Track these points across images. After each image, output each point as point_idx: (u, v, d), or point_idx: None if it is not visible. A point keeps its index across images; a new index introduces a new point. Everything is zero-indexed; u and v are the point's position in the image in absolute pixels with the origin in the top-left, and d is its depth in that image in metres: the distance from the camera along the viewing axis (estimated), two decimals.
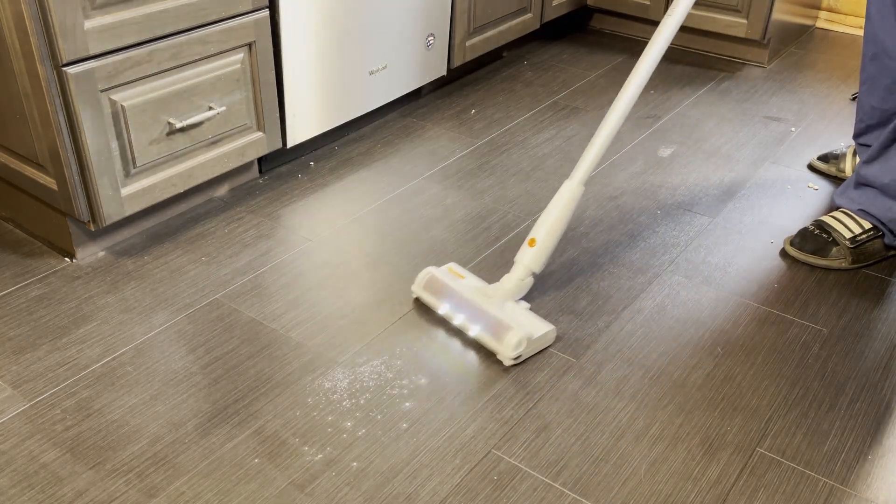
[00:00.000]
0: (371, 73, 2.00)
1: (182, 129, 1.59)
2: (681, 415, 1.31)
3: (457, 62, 2.27)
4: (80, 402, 1.29)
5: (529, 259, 1.46)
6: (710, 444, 1.26)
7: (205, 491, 1.16)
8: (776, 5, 2.45)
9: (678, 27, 1.46)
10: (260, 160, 1.91)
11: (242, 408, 1.29)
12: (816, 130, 2.20)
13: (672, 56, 2.64)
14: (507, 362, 1.39)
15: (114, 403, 1.29)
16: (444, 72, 2.25)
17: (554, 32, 2.80)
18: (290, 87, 1.80)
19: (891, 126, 1.61)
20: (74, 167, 1.47)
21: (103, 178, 1.50)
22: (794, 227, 1.77)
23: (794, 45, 2.76)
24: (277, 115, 1.78)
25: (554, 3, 2.59)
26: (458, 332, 1.46)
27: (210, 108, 1.63)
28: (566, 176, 1.95)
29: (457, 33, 2.22)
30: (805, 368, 1.41)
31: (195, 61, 1.57)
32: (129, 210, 1.57)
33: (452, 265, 1.55)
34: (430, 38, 2.14)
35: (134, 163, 1.54)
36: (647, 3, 2.63)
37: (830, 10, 2.90)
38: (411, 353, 1.41)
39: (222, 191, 1.85)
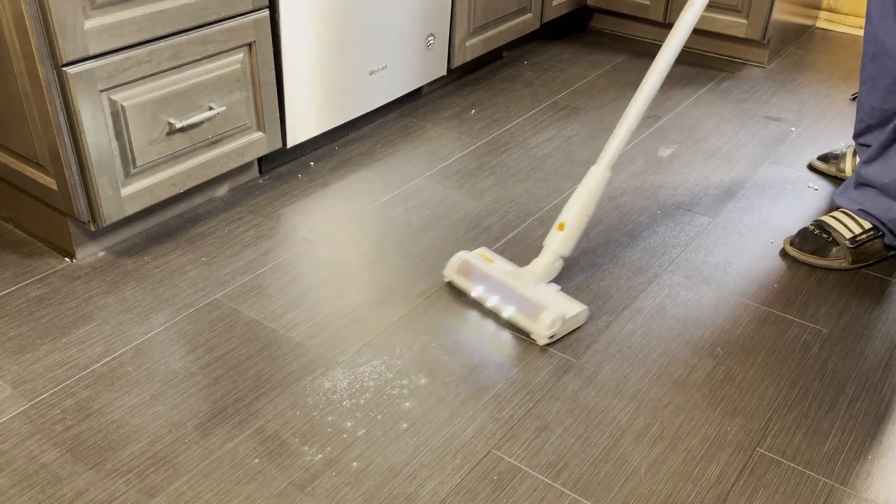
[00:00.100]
0: (371, 73, 2.00)
1: (182, 129, 1.59)
2: (681, 415, 1.31)
3: (457, 62, 2.27)
4: (80, 402, 1.29)
5: (558, 243, 1.50)
6: (710, 444, 1.26)
7: (205, 491, 1.16)
8: (776, 5, 2.45)
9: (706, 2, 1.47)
10: (260, 160, 1.91)
11: (242, 408, 1.29)
12: (816, 130, 2.20)
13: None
14: (542, 341, 1.43)
15: (114, 403, 1.29)
16: (444, 72, 2.25)
17: (554, 32, 2.80)
18: (290, 87, 1.80)
19: (891, 126, 1.61)
20: (74, 167, 1.47)
21: (103, 178, 1.50)
22: (794, 227, 1.77)
23: (794, 45, 2.76)
24: (277, 115, 1.78)
25: (554, 3, 2.59)
26: (458, 333, 1.46)
27: (210, 108, 1.63)
28: (566, 176, 1.95)
29: (457, 33, 2.22)
30: (805, 368, 1.41)
31: (195, 61, 1.57)
32: (129, 210, 1.57)
33: (482, 249, 1.60)
34: (430, 38, 2.14)
35: (134, 163, 1.54)
36: (647, 3, 2.63)
37: (830, 10, 2.90)
38: (411, 353, 1.41)
39: (222, 191, 1.85)
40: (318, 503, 1.14)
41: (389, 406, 1.30)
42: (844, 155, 1.97)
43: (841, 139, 2.15)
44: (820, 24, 2.94)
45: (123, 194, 1.55)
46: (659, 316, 1.52)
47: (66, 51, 1.36)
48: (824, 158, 2.00)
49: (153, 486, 1.16)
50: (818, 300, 1.58)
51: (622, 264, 1.66)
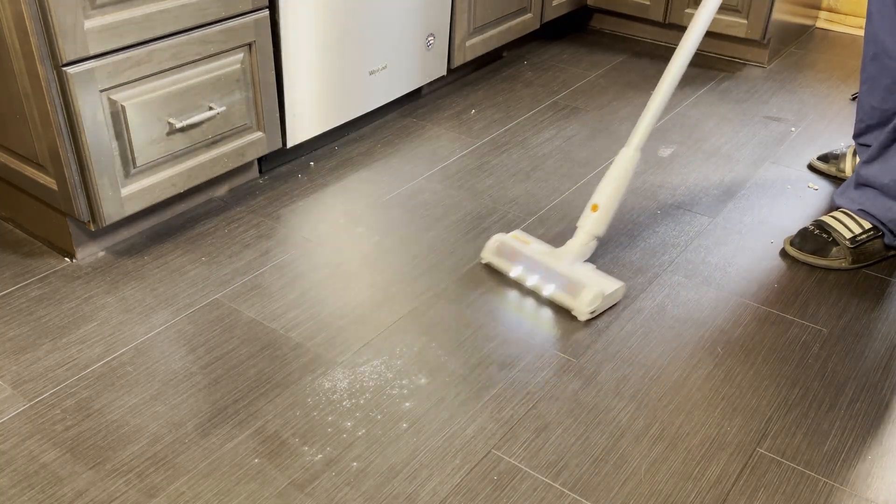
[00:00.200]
0: (371, 73, 2.00)
1: (182, 129, 1.59)
2: (681, 415, 1.31)
3: (457, 62, 2.27)
4: (80, 402, 1.29)
5: (592, 223, 1.56)
6: (710, 444, 1.26)
7: (205, 491, 1.16)
8: (776, 5, 2.45)
9: None
10: (260, 160, 1.91)
11: (242, 408, 1.29)
12: (816, 130, 2.20)
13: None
14: (583, 317, 1.49)
15: (114, 403, 1.29)
16: (444, 72, 2.25)
17: (554, 32, 2.80)
18: (290, 87, 1.80)
19: (891, 126, 1.61)
20: (74, 167, 1.47)
21: (103, 178, 1.50)
22: (794, 227, 1.77)
23: (794, 45, 2.76)
24: (277, 115, 1.78)
25: (554, 3, 2.59)
26: (458, 332, 1.46)
27: (210, 108, 1.63)
28: (566, 176, 1.95)
29: (457, 33, 2.22)
30: (805, 368, 1.41)
31: (195, 61, 1.57)
32: (129, 210, 1.57)
33: (517, 232, 1.65)
34: (430, 38, 2.14)
35: (134, 163, 1.54)
36: (647, 3, 2.63)
37: (830, 10, 2.91)
38: (411, 353, 1.41)
39: (222, 191, 1.85)
40: (318, 503, 1.14)
41: (389, 406, 1.30)
42: (844, 155, 1.97)
43: (841, 139, 2.15)
44: (820, 24, 2.94)
45: (123, 194, 1.55)
46: (659, 316, 1.52)
47: (66, 51, 1.36)
48: (824, 158, 2.00)
49: (153, 486, 1.16)
50: (818, 300, 1.58)
51: (622, 264, 1.66)
